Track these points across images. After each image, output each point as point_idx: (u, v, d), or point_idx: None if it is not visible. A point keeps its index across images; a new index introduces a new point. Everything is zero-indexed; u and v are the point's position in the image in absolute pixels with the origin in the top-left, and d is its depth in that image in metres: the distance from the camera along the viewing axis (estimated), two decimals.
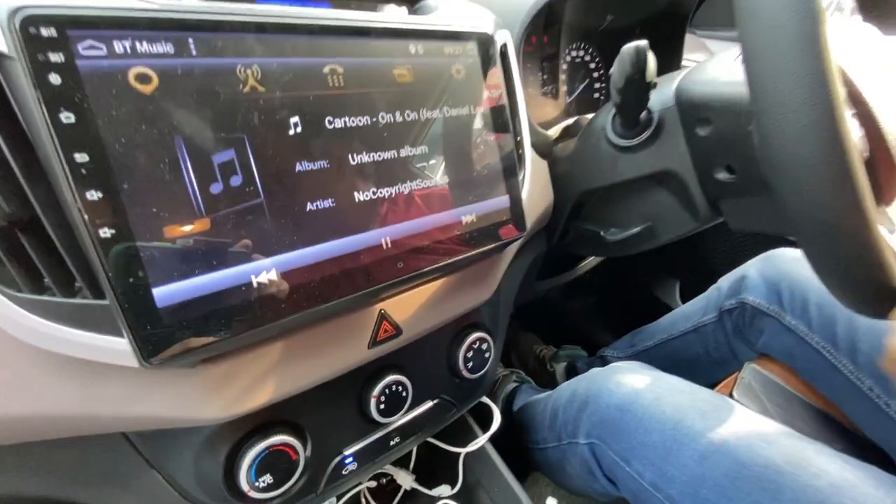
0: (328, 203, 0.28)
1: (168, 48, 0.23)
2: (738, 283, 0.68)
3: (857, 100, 0.33)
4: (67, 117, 0.21)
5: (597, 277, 1.10)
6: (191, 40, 0.24)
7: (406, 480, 0.53)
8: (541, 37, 0.65)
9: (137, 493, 0.30)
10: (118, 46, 0.22)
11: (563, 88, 0.71)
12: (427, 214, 0.32)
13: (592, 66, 0.73)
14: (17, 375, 0.23)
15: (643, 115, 0.45)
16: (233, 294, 0.25)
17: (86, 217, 0.21)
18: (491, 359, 0.44)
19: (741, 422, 0.39)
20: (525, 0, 0.49)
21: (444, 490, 0.51)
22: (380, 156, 0.30)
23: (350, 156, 0.29)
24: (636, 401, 0.43)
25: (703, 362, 0.74)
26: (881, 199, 0.38)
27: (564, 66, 0.70)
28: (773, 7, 0.25)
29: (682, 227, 0.48)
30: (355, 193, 0.29)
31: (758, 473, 0.35)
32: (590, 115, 0.55)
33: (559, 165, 0.53)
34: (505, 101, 0.38)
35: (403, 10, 0.36)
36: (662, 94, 0.45)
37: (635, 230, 0.51)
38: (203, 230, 0.24)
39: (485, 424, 0.51)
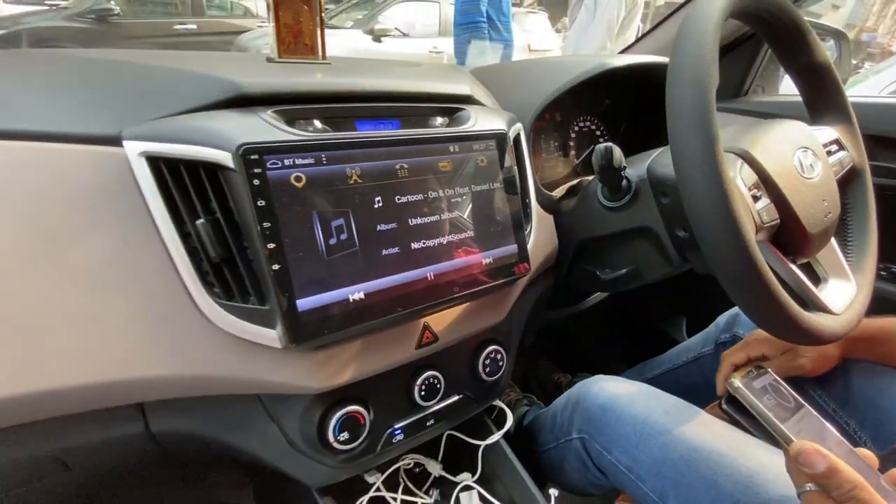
0: (395, 250, 0.44)
1: (310, 160, 0.40)
2: (732, 319, 0.80)
3: (766, 180, 0.47)
4: (260, 202, 0.37)
5: (611, 312, 1.22)
6: (322, 155, 0.41)
7: (435, 468, 0.66)
8: (553, 113, 0.81)
9: (261, 438, 0.45)
10: (286, 161, 0.39)
11: (572, 152, 0.86)
12: (458, 258, 0.48)
13: (598, 133, 0.88)
14: (214, 350, 0.39)
15: (624, 183, 0.59)
16: (339, 306, 0.40)
17: (265, 257, 0.37)
18: (504, 367, 0.57)
19: (696, 420, 0.50)
20: (539, 93, 0.65)
21: (465, 477, 0.64)
22: (428, 219, 0.46)
23: (409, 219, 0.45)
24: (616, 402, 0.55)
25: (703, 389, 0.84)
26: (800, 254, 0.50)
27: (573, 135, 0.85)
28: (682, 117, 0.40)
29: (659, 271, 0.61)
30: (412, 243, 0.45)
31: (705, 456, 0.46)
32: (589, 178, 0.70)
33: (563, 218, 0.68)
34: (516, 175, 0.54)
35: (445, 119, 0.53)
36: (639, 169, 0.59)
37: (623, 271, 0.64)
38: (325, 266, 0.40)
39: (500, 426, 0.64)
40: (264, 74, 0.45)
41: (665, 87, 0.42)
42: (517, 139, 0.58)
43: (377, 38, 4.97)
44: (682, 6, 0.95)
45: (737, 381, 0.40)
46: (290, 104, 0.43)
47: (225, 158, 0.37)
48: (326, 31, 0.60)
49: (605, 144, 0.52)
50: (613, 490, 0.60)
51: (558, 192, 0.71)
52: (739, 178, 0.45)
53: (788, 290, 0.45)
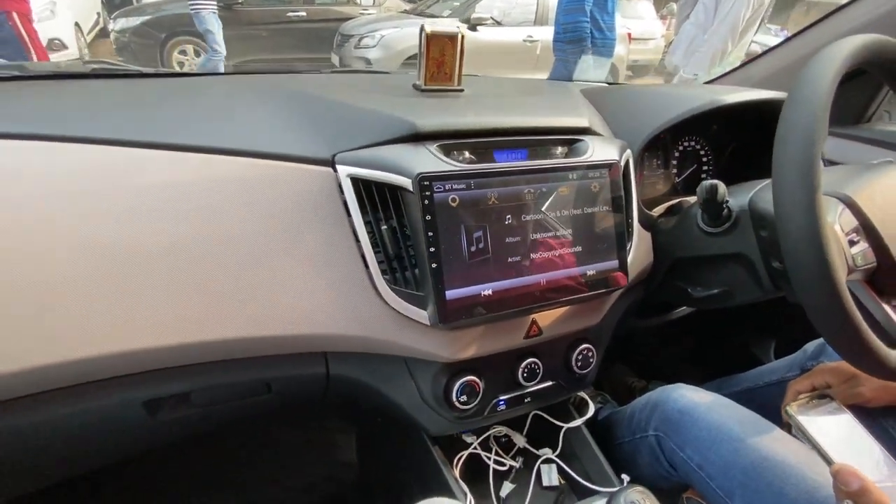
0: (517, 258, 0.55)
1: (463, 186, 0.52)
2: (820, 348, 0.81)
3: (866, 227, 0.50)
4: (427, 217, 0.50)
5: (697, 326, 1.23)
6: (472, 182, 0.53)
7: (520, 440, 0.77)
8: (660, 133, 0.86)
9: (402, 391, 0.60)
10: (446, 186, 0.51)
11: (674, 170, 0.90)
12: (567, 269, 0.58)
13: (702, 153, 0.91)
14: (382, 320, 0.54)
15: (725, 211, 0.64)
16: (473, 298, 0.52)
17: (427, 257, 0.50)
18: (593, 363, 0.67)
19: (768, 432, 0.56)
20: (648, 124, 0.71)
21: (546, 451, 0.74)
22: (546, 235, 0.56)
23: (531, 235, 0.56)
24: (694, 408, 0.62)
25: (780, 412, 0.86)
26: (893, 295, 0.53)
27: (677, 154, 0.89)
28: (787, 169, 0.45)
29: (750, 295, 0.66)
30: (531, 254, 0.56)
31: (773, 465, 0.52)
32: (689, 199, 0.75)
33: (661, 236, 0.74)
34: (623, 198, 0.62)
35: (566, 149, 0.62)
36: (740, 199, 0.64)
37: (715, 291, 0.70)
38: (467, 268, 0.52)
39: (581, 414, 0.73)
40: (427, 112, 0.58)
41: (774, 126, 0.47)
42: (626, 166, 0.65)
43: (472, 27, 5.04)
44: (800, 33, 0.93)
45: (791, 409, 0.47)
46: (448, 139, 0.55)
47: (406, 183, 0.50)
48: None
49: (710, 182, 0.58)
50: (680, 485, 0.67)
51: (658, 210, 0.77)
52: (838, 224, 0.50)
53: (879, 327, 0.49)
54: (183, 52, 5.23)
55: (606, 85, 1.03)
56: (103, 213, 0.47)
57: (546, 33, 5.15)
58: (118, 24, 5.15)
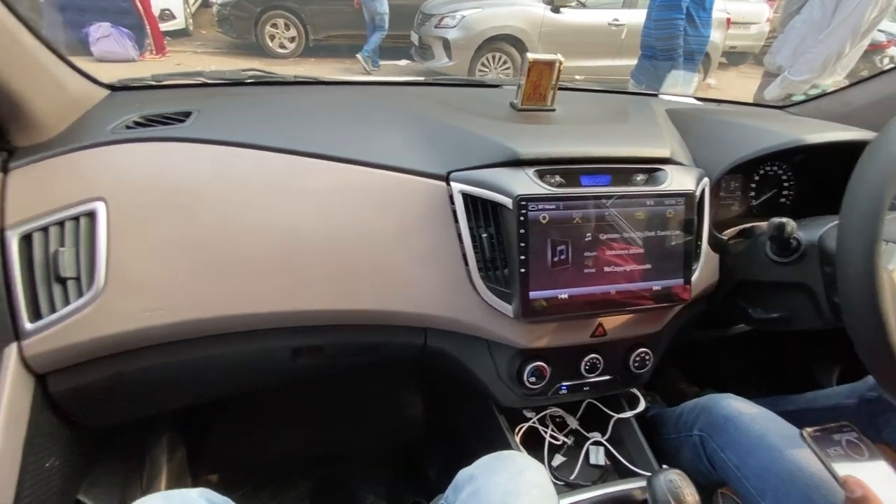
0: (593, 270, 0.65)
1: (553, 206, 0.62)
2: None
3: None
4: (521, 231, 0.61)
5: (760, 342, 1.26)
6: (560, 204, 0.63)
7: (573, 422, 0.88)
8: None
9: (482, 367, 0.73)
10: (539, 206, 0.62)
11: (752, 193, 0.94)
12: (634, 282, 0.67)
13: (784, 177, 0.93)
14: (474, 308, 0.66)
15: (794, 243, 0.69)
16: (551, 300, 0.63)
17: (517, 263, 0.61)
18: (649, 365, 0.76)
19: (806, 448, 0.62)
20: (730, 156, 0.76)
21: (596, 435, 0.85)
22: (620, 252, 0.66)
23: (607, 251, 0.65)
24: (739, 416, 0.70)
25: None
26: None
27: (756, 177, 0.93)
28: (853, 219, 0.51)
29: (809, 323, 0.71)
30: (605, 267, 0.65)
31: (807, 475, 0.60)
32: (762, 224, 0.80)
33: (729, 258, 0.79)
34: (695, 224, 0.69)
35: (645, 177, 0.70)
36: (811, 234, 0.68)
37: (775, 315, 0.75)
38: (549, 274, 0.63)
39: (631, 407, 0.83)
40: (527, 139, 0.68)
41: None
42: (702, 194, 0.72)
43: (556, 10, 4.92)
44: None
45: (804, 432, 0.55)
46: (543, 164, 0.66)
47: (507, 202, 0.61)
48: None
49: (779, 220, 0.64)
50: (717, 482, 0.75)
51: (729, 232, 0.83)
52: None
53: None
54: (274, 26, 5.58)
55: (694, 102, 1.06)
56: (278, 206, 0.62)
57: (633, 17, 4.92)
58: None
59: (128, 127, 0.67)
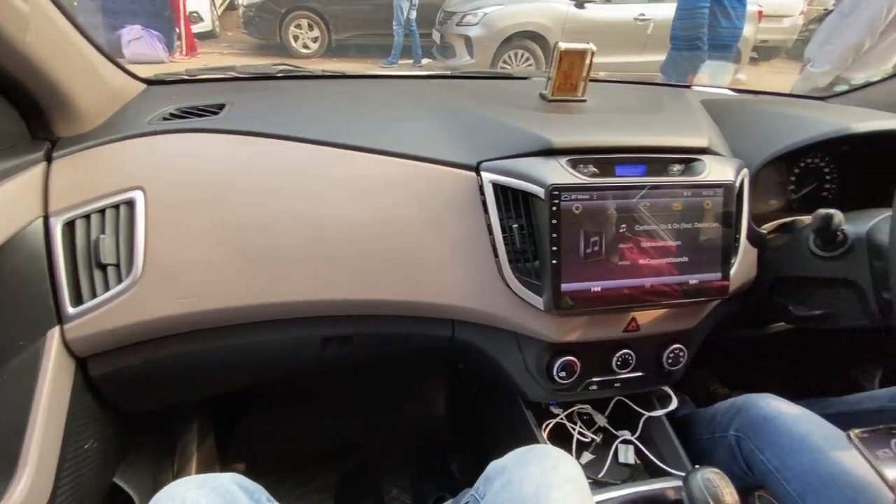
0: (627, 262, 0.63)
1: (586, 197, 0.61)
2: None
3: None
4: (553, 221, 0.60)
5: (795, 345, 1.21)
6: (594, 194, 0.61)
7: (601, 420, 0.86)
8: None
9: (510, 360, 0.72)
10: (572, 196, 0.60)
11: (792, 186, 0.90)
12: (670, 275, 0.65)
13: (826, 170, 0.89)
14: (503, 300, 0.65)
15: (840, 237, 0.66)
16: (584, 292, 0.62)
17: (549, 255, 0.60)
18: (683, 362, 0.73)
19: (851, 450, 0.59)
20: (770, 147, 0.73)
21: (625, 433, 0.83)
22: (655, 244, 0.64)
23: (642, 242, 0.63)
24: (779, 416, 0.67)
25: None
26: None
27: (797, 170, 0.89)
28: None
29: (855, 321, 0.68)
30: (639, 259, 0.63)
31: (852, 479, 0.57)
32: (803, 218, 0.76)
33: (769, 253, 0.76)
34: (734, 216, 0.67)
35: (682, 167, 0.68)
36: (859, 227, 0.65)
37: (818, 312, 0.72)
38: (581, 266, 0.61)
39: (662, 406, 0.80)
40: (559, 128, 0.67)
41: None
42: (741, 186, 0.69)
43: (580, 5, 4.85)
44: None
45: (851, 433, 0.52)
46: (577, 154, 0.64)
47: (539, 192, 0.60)
48: None
49: (826, 211, 0.61)
50: (753, 485, 0.72)
51: (769, 227, 0.79)
52: None
53: None
54: (298, 27, 5.67)
55: (729, 93, 1.02)
56: (309, 196, 0.63)
57: (660, 11, 4.81)
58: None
59: (164, 119, 0.68)
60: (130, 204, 0.59)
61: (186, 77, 0.87)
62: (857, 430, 0.54)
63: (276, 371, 0.77)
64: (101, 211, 0.59)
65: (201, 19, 5.97)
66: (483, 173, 0.64)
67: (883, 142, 0.73)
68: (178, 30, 5.36)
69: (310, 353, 0.70)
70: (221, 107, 0.71)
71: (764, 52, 6.05)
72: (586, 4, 4.83)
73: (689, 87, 1.07)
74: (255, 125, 0.66)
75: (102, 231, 0.58)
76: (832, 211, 0.61)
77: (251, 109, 0.72)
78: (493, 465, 0.55)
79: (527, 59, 4.80)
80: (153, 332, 0.61)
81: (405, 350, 0.75)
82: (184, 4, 5.25)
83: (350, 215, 0.63)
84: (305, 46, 5.68)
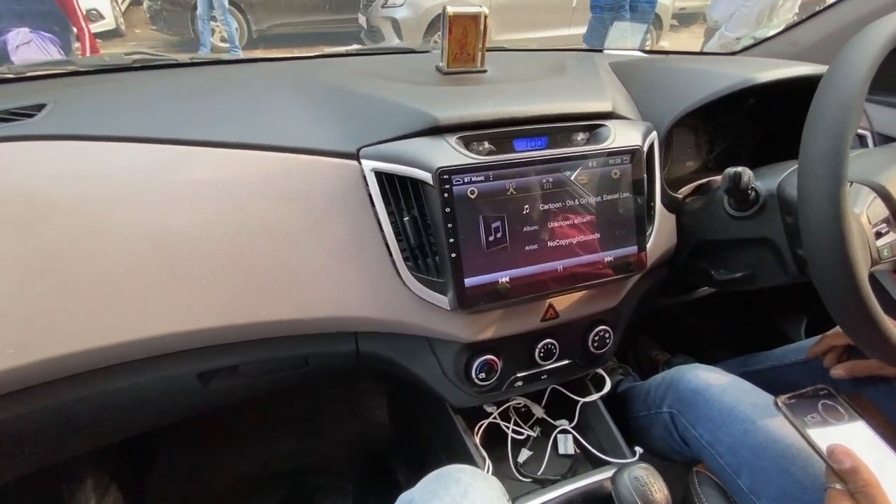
0: (535, 247, 0.57)
1: (482, 178, 0.54)
2: None
3: None
4: (447, 209, 0.52)
5: (725, 302, 1.22)
6: (490, 174, 0.54)
7: (538, 411, 0.81)
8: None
9: (425, 366, 0.64)
10: (465, 179, 0.53)
11: (706, 147, 0.87)
12: (584, 255, 0.59)
13: (738, 126, 0.87)
14: (406, 304, 0.58)
15: (752, 195, 0.63)
16: (491, 285, 0.55)
17: (447, 247, 0.53)
18: (610, 344, 0.69)
19: (781, 416, 0.57)
20: (677, 104, 0.68)
21: (563, 423, 0.79)
22: (564, 223, 0.58)
23: (549, 223, 0.57)
24: (707, 389, 0.64)
25: None
26: None
27: (709, 129, 0.86)
28: (814, 159, 0.44)
29: (775, 279, 0.65)
30: (549, 242, 0.57)
31: (782, 447, 0.54)
32: (718, 178, 0.73)
33: (686, 218, 0.73)
34: (645, 183, 0.62)
35: (587, 135, 0.62)
36: (769, 183, 0.62)
37: (738, 275, 0.69)
38: (485, 256, 0.54)
39: (598, 388, 0.76)
40: (448, 102, 0.59)
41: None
42: (650, 150, 0.64)
43: None
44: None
45: (778, 400, 0.49)
46: (468, 129, 0.57)
47: (427, 177, 0.52)
48: None
49: (734, 170, 0.57)
50: (693, 459, 0.70)
51: (685, 190, 0.76)
52: (865, 214, 0.48)
53: None
54: (213, 18, 5.26)
55: (639, 55, 0.98)
56: (153, 205, 0.52)
57: None
58: None
59: None
60: None
61: (10, 76, 0.72)
62: (783, 397, 0.52)
63: (154, 417, 0.66)
64: None
65: (101, 17, 5.39)
66: (364, 161, 0.55)
67: (788, 91, 0.71)
68: (74, 30, 4.83)
69: (188, 391, 0.60)
70: (41, 107, 0.58)
71: (683, 20, 6.28)
72: None
73: (601, 51, 1.02)
74: (80, 126, 0.54)
75: None
76: (740, 169, 0.57)
77: (78, 108, 0.59)
78: (402, 499, 0.48)
79: None
80: None
81: (308, 373, 0.66)
82: (77, 1, 4.72)
83: (205, 226, 0.52)
84: (224, 40, 5.28)
